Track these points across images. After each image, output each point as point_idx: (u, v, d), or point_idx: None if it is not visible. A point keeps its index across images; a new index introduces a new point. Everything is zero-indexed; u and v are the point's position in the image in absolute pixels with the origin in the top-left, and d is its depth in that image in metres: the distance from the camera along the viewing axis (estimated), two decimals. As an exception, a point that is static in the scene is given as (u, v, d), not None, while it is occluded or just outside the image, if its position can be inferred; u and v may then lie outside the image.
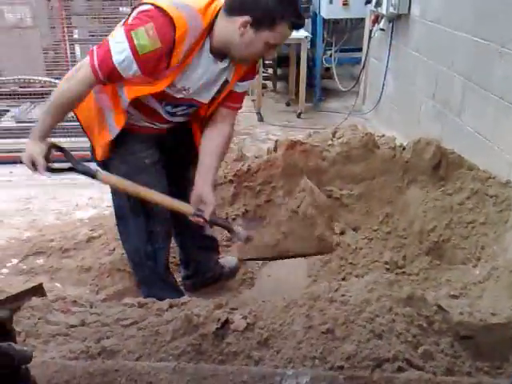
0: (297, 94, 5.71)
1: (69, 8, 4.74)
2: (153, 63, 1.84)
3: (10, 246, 3.14)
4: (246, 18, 1.84)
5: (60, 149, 2.10)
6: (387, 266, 2.76)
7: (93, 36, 4.98)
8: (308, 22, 6.21)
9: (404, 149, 3.15)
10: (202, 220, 2.08)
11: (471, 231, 2.77)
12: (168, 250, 2.40)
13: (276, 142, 3.21)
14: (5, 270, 2.92)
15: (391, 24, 4.81)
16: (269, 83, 6.74)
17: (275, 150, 3.20)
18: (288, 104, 6.09)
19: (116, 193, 2.22)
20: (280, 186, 3.10)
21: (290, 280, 2.76)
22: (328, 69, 6.25)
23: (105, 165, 2.18)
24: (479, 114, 3.42)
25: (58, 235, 3.20)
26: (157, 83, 1.93)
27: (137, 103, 2.04)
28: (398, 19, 4.69)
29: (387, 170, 3.10)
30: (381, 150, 3.14)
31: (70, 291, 2.66)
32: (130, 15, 1.94)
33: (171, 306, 1.76)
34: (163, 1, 1.86)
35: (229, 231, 2.31)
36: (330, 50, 6.11)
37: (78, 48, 5.35)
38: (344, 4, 5.54)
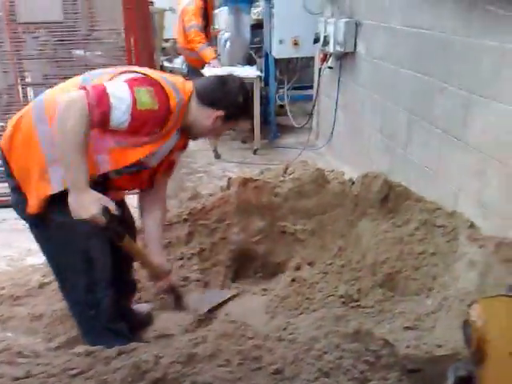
0: (252, 131, 5.79)
1: (20, 51, 4.71)
2: (142, 121, 1.93)
3: (-42, 295, 3.03)
4: (220, 112, 2.14)
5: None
6: (343, 300, 2.78)
7: (47, 79, 4.95)
8: (261, 61, 6.39)
9: (353, 183, 3.23)
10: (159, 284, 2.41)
11: (422, 262, 2.83)
12: (113, 297, 2.31)
13: (229, 179, 3.24)
14: (-49, 321, 2.81)
15: (339, 62, 4.97)
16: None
17: (228, 187, 3.23)
18: (244, 141, 6.16)
19: (55, 249, 2.15)
20: (235, 223, 3.12)
21: (248, 318, 2.75)
22: (282, 106, 6.37)
23: (41, 217, 2.05)
24: (424, 147, 3.54)
25: (9, 282, 3.11)
26: (135, 151, 1.99)
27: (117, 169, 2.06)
28: (344, 57, 4.84)
29: (338, 204, 3.16)
30: (331, 184, 3.21)
31: (22, 340, 2.59)
32: (114, 75, 2.03)
33: (119, 354, 1.73)
34: (154, 74, 2.04)
35: (177, 299, 2.56)
36: (283, 87, 6.25)
37: (31, 91, 5.30)
38: (294, 44, 5.69)
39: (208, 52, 6.09)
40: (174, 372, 1.57)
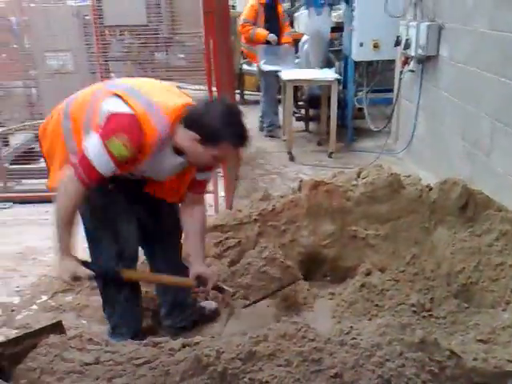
0: (328, 133, 5.74)
1: (106, 53, 4.95)
2: (127, 164, 2.10)
3: (40, 283, 3.23)
4: (194, 134, 2.08)
5: (83, 262, 2.28)
6: (414, 309, 2.70)
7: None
8: (340, 64, 6.33)
9: (431, 189, 3.13)
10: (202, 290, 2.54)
11: (500, 273, 2.70)
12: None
13: (300, 182, 3.23)
14: (34, 307, 2.99)
15: (421, 65, 4.83)
16: (301, 124, 6.81)
17: (299, 189, 3.22)
18: (319, 144, 6.12)
19: (85, 216, 2.34)
20: (304, 225, 3.11)
21: (313, 321, 2.73)
22: (361, 109, 6.28)
23: None
24: (509, 155, 3.37)
25: (87, 273, 3.27)
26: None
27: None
28: (427, 61, 4.71)
29: (413, 210, 3.07)
30: (407, 190, 3.12)
31: (94, 328, 2.71)
32: (97, 110, 2.12)
33: (184, 346, 1.77)
34: (133, 95, 2.08)
35: (220, 292, 2.62)
36: (362, 90, 6.16)
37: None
38: (374, 47, 5.60)
39: (258, 31, 6.38)
40: (234, 368, 1.58)
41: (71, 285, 2.22)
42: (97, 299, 2.99)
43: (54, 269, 2.20)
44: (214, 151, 2.10)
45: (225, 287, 2.60)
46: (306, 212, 3.09)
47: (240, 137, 2.13)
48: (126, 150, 2.00)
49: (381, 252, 3.05)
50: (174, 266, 2.59)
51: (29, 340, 1.85)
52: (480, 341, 2.35)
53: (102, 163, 2.04)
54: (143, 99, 2.08)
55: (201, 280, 2.45)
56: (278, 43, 6.54)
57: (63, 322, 2.15)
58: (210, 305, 2.83)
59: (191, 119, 2.09)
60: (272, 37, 6.41)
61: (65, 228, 2.16)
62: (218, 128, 2.06)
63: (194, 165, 2.28)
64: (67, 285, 2.34)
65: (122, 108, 2.04)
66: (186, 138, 2.10)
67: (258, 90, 7.34)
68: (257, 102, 7.31)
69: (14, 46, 5.76)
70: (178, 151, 2.18)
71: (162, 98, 2.15)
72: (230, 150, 2.15)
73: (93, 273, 2.25)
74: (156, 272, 2.64)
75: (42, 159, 2.45)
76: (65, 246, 2.19)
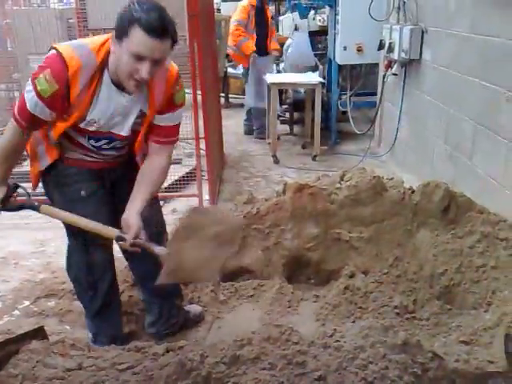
0: (312, 136, 5.76)
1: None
2: (58, 102, 2.02)
3: (22, 287, 3.19)
4: (113, 37, 1.95)
5: (16, 187, 2.31)
6: (397, 311, 2.71)
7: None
8: (324, 67, 6.37)
9: (413, 192, 3.15)
10: (124, 243, 2.13)
11: (482, 275, 2.73)
12: (111, 282, 2.46)
13: (284, 185, 3.24)
14: (16, 312, 2.96)
15: (404, 69, 4.88)
16: (285, 127, 6.83)
17: (284, 192, 3.23)
18: (304, 147, 6.14)
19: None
20: (289, 228, 3.11)
21: (297, 324, 2.73)
22: (345, 112, 6.32)
23: (48, 195, 2.38)
24: (490, 157, 3.41)
25: (69, 278, 3.24)
26: (68, 119, 2.10)
27: (66, 138, 2.21)
28: (409, 64, 4.75)
29: (396, 212, 3.09)
30: (389, 192, 3.14)
31: (77, 334, 2.69)
32: None
33: (167, 351, 1.76)
34: (64, 43, 2.08)
35: (149, 252, 2.22)
36: (346, 94, 6.20)
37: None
38: (358, 50, 5.64)
39: (249, 44, 6.28)
40: (218, 372, 1.58)
41: None
42: (79, 304, 2.96)
43: None
44: (128, 43, 1.89)
45: (155, 249, 2.15)
46: (290, 215, 3.09)
47: (153, 22, 1.87)
48: (47, 84, 1.96)
49: (364, 254, 3.06)
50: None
51: (10, 346, 1.83)
52: (462, 342, 2.38)
53: (32, 101, 2.01)
54: (74, 43, 2.11)
55: (124, 230, 2.16)
56: (266, 50, 6.55)
57: (45, 328, 2.14)
58: (194, 309, 2.81)
59: (115, 29, 1.94)
60: (254, 57, 6.40)
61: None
62: (126, 16, 1.89)
63: (126, 85, 2.04)
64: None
65: (53, 51, 2.03)
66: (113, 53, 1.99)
67: (243, 94, 7.35)
68: (241, 106, 7.32)
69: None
70: (122, 87, 2.07)
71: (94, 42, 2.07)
72: (143, 41, 1.87)
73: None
74: None
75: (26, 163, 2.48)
76: None
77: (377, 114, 5.73)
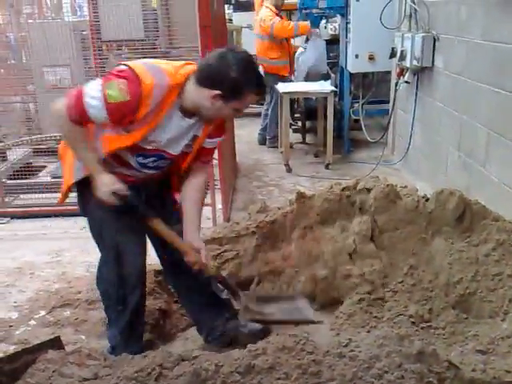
0: (325, 145, 5.77)
1: (104, 68, 4.97)
2: (120, 113, 2.04)
3: (38, 297, 3.23)
4: (217, 92, 2.05)
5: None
6: (413, 320, 2.70)
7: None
8: (336, 76, 6.38)
9: (427, 200, 3.13)
10: (198, 265, 2.32)
11: (498, 284, 2.70)
12: (140, 298, 2.45)
13: (297, 193, 3.23)
14: (32, 322, 2.99)
15: (416, 76, 4.87)
16: (298, 135, 6.84)
17: (296, 201, 3.22)
18: (316, 155, 6.15)
19: (93, 233, 2.39)
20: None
21: (312, 333, 2.72)
22: (357, 120, 6.32)
23: (83, 206, 2.37)
24: (504, 164, 3.39)
25: (85, 287, 3.27)
26: (129, 136, 2.12)
27: (112, 155, 2.21)
28: (422, 72, 4.74)
29: (410, 220, 3.06)
30: (403, 200, 3.12)
31: (93, 343, 2.70)
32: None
33: (182, 360, 1.76)
34: (137, 62, 2.11)
35: (233, 294, 2.51)
36: (358, 102, 6.20)
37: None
38: (370, 58, 5.64)
39: (301, 22, 6.32)
40: (233, 382, 1.58)
41: (111, 203, 2.15)
42: (95, 314, 2.99)
43: (96, 188, 2.15)
44: (239, 104, 2.11)
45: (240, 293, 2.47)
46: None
47: (260, 83, 2.12)
48: (119, 92, 1.99)
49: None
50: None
51: (27, 356, 1.85)
52: (479, 351, 2.35)
53: (93, 98, 2.02)
54: (148, 63, 2.14)
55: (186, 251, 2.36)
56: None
57: (61, 338, 2.15)
58: (253, 325, 2.69)
59: (206, 76, 2.07)
60: (315, 33, 6.36)
61: (80, 150, 2.15)
62: (240, 80, 2.04)
63: (207, 121, 2.23)
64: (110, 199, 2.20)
65: (124, 67, 2.09)
66: (202, 96, 2.08)
67: (257, 103, 7.34)
68: (255, 115, 7.31)
69: (13, 61, 5.80)
70: (187, 113, 2.17)
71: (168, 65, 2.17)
72: (253, 98, 2.13)
73: (127, 193, 2.20)
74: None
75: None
76: (93, 166, 2.15)
77: (389, 121, 5.72)
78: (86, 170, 2.21)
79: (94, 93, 2.03)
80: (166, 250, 2.46)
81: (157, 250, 2.58)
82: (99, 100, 2.01)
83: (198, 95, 2.09)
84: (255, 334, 2.59)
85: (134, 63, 2.09)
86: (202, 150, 2.37)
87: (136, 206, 2.25)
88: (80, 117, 2.06)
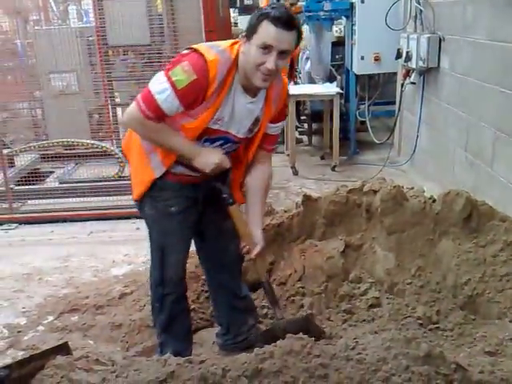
0: (331, 147, 5.76)
1: (110, 73, 4.99)
2: (192, 95, 2.03)
3: (46, 303, 3.24)
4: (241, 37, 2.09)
5: None
6: (420, 321, 2.69)
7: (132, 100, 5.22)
8: (341, 78, 6.37)
9: (434, 201, 3.12)
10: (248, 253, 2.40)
11: (506, 284, 2.68)
12: (177, 299, 2.45)
13: (304, 196, 3.23)
14: (40, 328, 3.01)
15: (422, 77, 4.86)
16: (304, 138, 6.84)
17: (303, 204, 3.22)
18: (322, 157, 6.14)
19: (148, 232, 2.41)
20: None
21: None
22: (363, 122, 6.31)
23: (139, 206, 2.38)
24: (511, 164, 3.37)
25: (93, 292, 3.29)
26: (200, 117, 2.10)
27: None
28: (428, 72, 4.74)
29: (417, 222, 3.05)
30: (410, 202, 3.11)
31: (101, 348, 2.71)
32: None
33: (190, 363, 1.76)
34: (198, 44, 2.11)
35: (272, 303, 2.47)
36: (364, 103, 6.19)
37: (119, 111, 5.59)
38: (375, 60, 5.64)
39: None
40: (240, 386, 1.58)
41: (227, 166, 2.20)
42: (103, 319, 3.01)
43: (200, 165, 2.16)
44: (257, 37, 1.99)
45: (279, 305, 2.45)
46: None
47: (280, 14, 1.97)
48: (184, 74, 1.98)
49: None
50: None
51: (35, 361, 1.85)
52: (487, 353, 2.34)
53: (162, 93, 2.01)
54: (208, 43, 2.17)
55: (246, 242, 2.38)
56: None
57: (69, 343, 2.16)
58: None
59: (245, 32, 2.06)
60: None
61: (169, 141, 2.14)
62: (256, 14, 2.02)
63: (255, 93, 2.17)
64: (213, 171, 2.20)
65: (185, 51, 2.10)
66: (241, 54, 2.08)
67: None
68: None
69: (20, 68, 5.84)
70: (249, 91, 2.14)
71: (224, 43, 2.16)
72: (271, 31, 1.96)
73: (229, 166, 2.22)
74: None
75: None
76: (189, 147, 2.15)
77: (396, 123, 5.71)
78: (165, 165, 2.22)
79: (161, 86, 2.02)
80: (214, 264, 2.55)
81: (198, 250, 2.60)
82: (169, 90, 2.00)
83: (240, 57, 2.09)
84: None
85: (193, 45, 2.09)
86: (265, 137, 2.34)
87: (226, 182, 2.26)
88: (156, 115, 2.05)
